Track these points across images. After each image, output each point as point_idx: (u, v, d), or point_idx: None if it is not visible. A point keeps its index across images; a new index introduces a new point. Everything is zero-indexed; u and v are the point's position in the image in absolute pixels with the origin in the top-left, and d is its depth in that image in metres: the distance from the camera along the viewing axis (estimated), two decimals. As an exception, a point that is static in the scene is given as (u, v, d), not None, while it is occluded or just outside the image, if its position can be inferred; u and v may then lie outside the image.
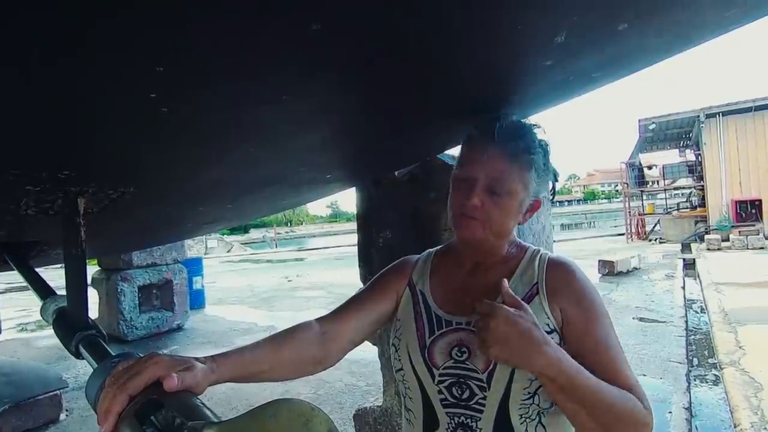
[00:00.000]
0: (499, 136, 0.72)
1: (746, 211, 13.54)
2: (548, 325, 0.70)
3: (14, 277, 1.11)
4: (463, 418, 0.70)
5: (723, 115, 14.14)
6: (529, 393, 0.68)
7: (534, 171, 0.75)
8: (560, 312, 0.71)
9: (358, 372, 3.69)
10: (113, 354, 0.67)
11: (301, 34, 0.41)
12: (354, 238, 2.01)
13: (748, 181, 13.81)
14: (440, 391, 0.72)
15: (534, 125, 0.78)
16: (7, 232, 1.10)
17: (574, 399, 0.63)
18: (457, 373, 0.71)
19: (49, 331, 0.82)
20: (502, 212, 0.73)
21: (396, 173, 1.71)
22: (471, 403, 0.70)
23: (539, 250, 0.80)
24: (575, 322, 0.70)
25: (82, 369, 4.12)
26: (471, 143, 0.76)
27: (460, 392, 0.71)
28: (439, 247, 0.90)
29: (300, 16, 0.39)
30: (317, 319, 0.79)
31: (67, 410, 3.20)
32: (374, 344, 1.89)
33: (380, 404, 2.03)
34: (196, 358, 0.60)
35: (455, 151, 0.94)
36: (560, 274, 0.75)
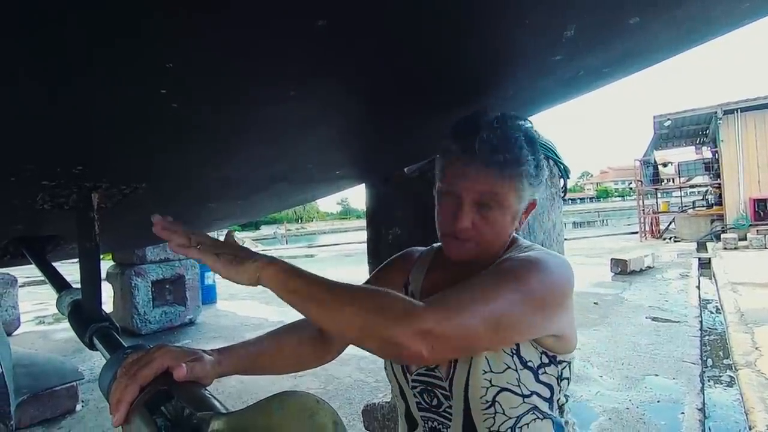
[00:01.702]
0: (480, 152, 0.64)
1: (764, 209, 13.21)
2: None
3: (32, 271, 1.15)
4: (435, 423, 0.70)
5: (741, 111, 13.76)
6: (487, 401, 0.64)
7: (525, 180, 0.67)
8: None
9: (367, 368, 3.71)
10: (126, 345, 0.69)
11: (307, 30, 0.41)
12: (364, 236, 2.02)
13: (767, 178, 13.46)
14: (415, 395, 0.72)
15: (519, 123, 0.69)
16: (24, 227, 1.13)
17: (299, 299, 0.58)
18: (426, 381, 0.70)
19: (66, 324, 0.85)
20: (495, 228, 0.68)
21: (405, 170, 1.71)
22: (440, 410, 0.69)
23: (531, 246, 0.74)
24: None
25: (98, 361, 4.20)
26: (452, 156, 0.68)
27: (429, 399, 0.70)
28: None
29: (305, 11, 0.39)
30: None
31: (83, 401, 3.28)
32: (383, 340, 1.90)
33: (389, 400, 2.04)
34: (204, 351, 0.62)
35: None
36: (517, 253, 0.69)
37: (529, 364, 0.65)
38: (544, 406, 0.67)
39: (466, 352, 0.61)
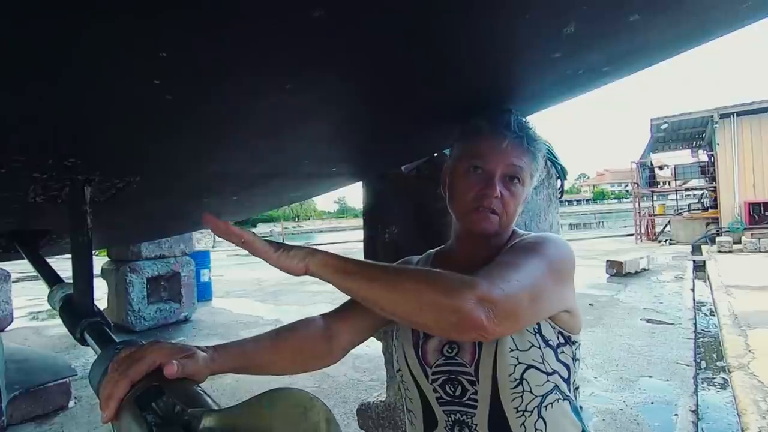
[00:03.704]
0: (515, 126, 0.74)
1: (759, 213, 13.29)
2: None
3: (26, 266, 1.13)
4: (459, 414, 0.70)
5: (737, 116, 13.83)
6: (515, 379, 0.67)
7: (539, 160, 0.77)
8: None
9: (362, 367, 3.71)
10: (117, 341, 0.68)
11: (303, 21, 0.41)
12: (361, 234, 2.01)
13: (762, 182, 13.53)
14: (435, 390, 0.72)
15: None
16: (16, 221, 1.12)
17: (355, 280, 0.60)
18: (448, 370, 0.71)
19: (60, 320, 0.83)
20: (517, 203, 0.75)
21: (402, 168, 1.71)
22: (464, 399, 0.70)
23: (529, 232, 0.80)
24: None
25: (91, 357, 4.15)
26: (483, 132, 0.75)
27: (453, 389, 0.71)
28: (438, 248, 0.90)
29: (301, 1, 0.38)
30: (321, 316, 0.79)
31: (75, 398, 3.26)
32: (378, 339, 1.89)
33: (383, 399, 2.03)
34: (198, 347, 0.61)
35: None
36: (525, 237, 0.76)
37: (550, 342, 0.69)
38: (563, 387, 0.70)
39: (514, 324, 0.61)
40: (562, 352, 0.71)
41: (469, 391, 0.69)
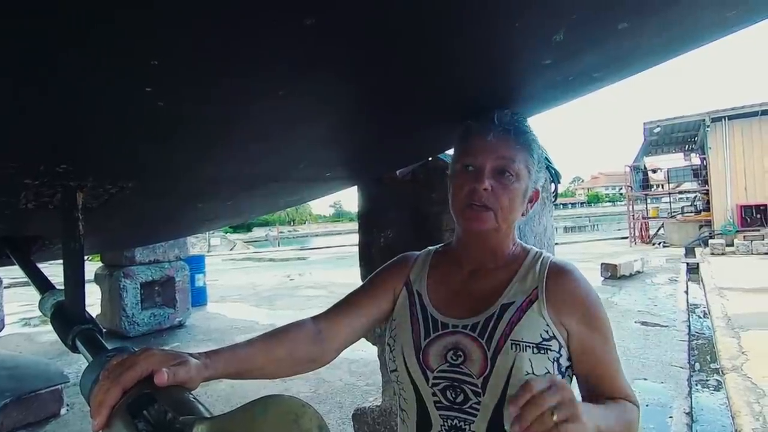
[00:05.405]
0: (499, 122, 0.74)
1: (751, 216, 13.43)
2: (547, 332, 0.70)
3: (19, 272, 1.12)
4: (456, 420, 0.70)
5: (729, 119, 14.00)
6: None
7: (534, 153, 0.77)
8: (563, 324, 0.71)
9: (358, 371, 3.69)
10: (109, 348, 0.67)
11: (295, 29, 0.41)
12: (356, 238, 2.01)
13: (753, 186, 13.68)
14: (434, 393, 0.72)
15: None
16: (8, 227, 1.11)
17: None
18: (452, 377, 0.71)
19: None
20: (511, 196, 0.74)
21: (397, 172, 1.71)
22: (465, 406, 0.70)
23: (541, 253, 0.80)
24: (582, 340, 0.72)
25: (84, 364, 4.09)
26: (471, 132, 0.76)
27: (454, 396, 0.70)
28: (438, 245, 0.90)
29: (293, 10, 0.38)
30: (312, 318, 0.79)
31: (68, 405, 3.22)
32: (374, 344, 1.89)
33: (379, 404, 2.03)
34: (191, 354, 0.61)
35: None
36: (562, 282, 0.74)
37: (563, 369, 0.71)
38: None
39: None
40: (568, 375, 0.73)
41: (472, 401, 0.69)
